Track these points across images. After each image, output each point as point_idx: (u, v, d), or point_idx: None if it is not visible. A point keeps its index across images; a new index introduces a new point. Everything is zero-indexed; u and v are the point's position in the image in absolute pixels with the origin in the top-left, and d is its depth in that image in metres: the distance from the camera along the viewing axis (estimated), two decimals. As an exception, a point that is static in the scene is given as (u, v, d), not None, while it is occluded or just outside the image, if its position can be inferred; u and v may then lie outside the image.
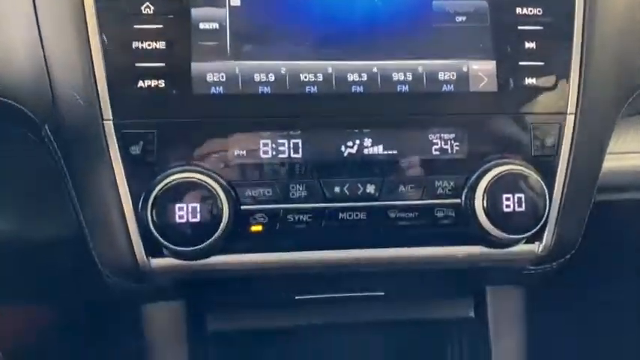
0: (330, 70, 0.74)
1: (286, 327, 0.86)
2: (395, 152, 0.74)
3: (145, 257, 0.73)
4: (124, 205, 0.71)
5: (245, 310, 0.85)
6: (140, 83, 0.71)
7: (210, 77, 0.72)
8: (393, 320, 0.87)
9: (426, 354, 0.98)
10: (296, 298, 0.86)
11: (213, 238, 0.69)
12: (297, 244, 0.74)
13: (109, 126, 0.71)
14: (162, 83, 0.71)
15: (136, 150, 0.71)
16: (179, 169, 0.70)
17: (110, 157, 0.71)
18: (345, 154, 0.74)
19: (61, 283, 1.06)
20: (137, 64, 0.71)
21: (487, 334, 0.89)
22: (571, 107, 0.77)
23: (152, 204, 0.68)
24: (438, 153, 0.75)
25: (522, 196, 0.73)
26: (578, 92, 0.77)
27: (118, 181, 0.71)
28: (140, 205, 0.70)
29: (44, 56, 0.71)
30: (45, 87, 0.71)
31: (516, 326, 0.90)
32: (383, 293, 0.88)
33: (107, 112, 0.71)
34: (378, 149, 0.74)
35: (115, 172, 0.71)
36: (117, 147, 0.71)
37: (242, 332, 0.85)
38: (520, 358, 0.88)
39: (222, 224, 0.69)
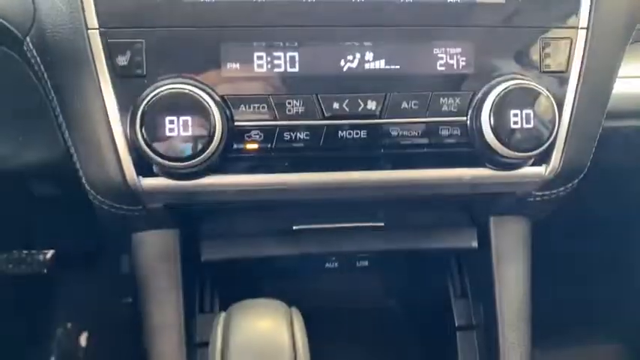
0: None
1: (283, 256, 0.83)
2: (398, 67, 0.70)
3: (135, 176, 0.69)
4: (111, 120, 0.67)
5: (240, 239, 0.82)
6: None
7: None
8: (393, 250, 0.84)
9: (426, 284, 0.96)
10: (294, 227, 0.83)
11: (206, 153, 0.65)
12: (294, 165, 0.71)
13: (94, 35, 0.66)
14: None
15: (123, 61, 0.67)
16: (169, 81, 0.66)
17: (96, 69, 0.67)
18: (345, 69, 0.70)
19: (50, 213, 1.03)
20: None
21: (490, 265, 0.86)
22: (583, 21, 0.73)
23: (141, 116, 0.65)
24: (443, 68, 0.71)
25: (531, 112, 0.70)
26: (591, 6, 0.73)
27: (104, 95, 0.67)
28: (129, 119, 0.67)
29: None
30: None
31: (520, 257, 0.87)
32: (383, 224, 0.85)
33: (92, 20, 0.66)
34: (380, 64, 0.70)
35: (102, 85, 0.67)
36: (103, 58, 0.66)
37: (237, 262, 0.82)
38: (523, 289, 0.86)
39: (215, 139, 0.65)
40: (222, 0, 0.68)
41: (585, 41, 0.74)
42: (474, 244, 0.86)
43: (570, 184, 0.80)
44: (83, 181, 0.72)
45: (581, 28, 0.74)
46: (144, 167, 0.69)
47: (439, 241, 0.86)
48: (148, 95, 0.65)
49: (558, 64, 0.73)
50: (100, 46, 0.66)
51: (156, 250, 0.81)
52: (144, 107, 0.64)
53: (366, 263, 0.94)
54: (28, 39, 0.69)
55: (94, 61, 0.66)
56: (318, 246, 0.84)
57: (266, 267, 0.95)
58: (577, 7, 0.73)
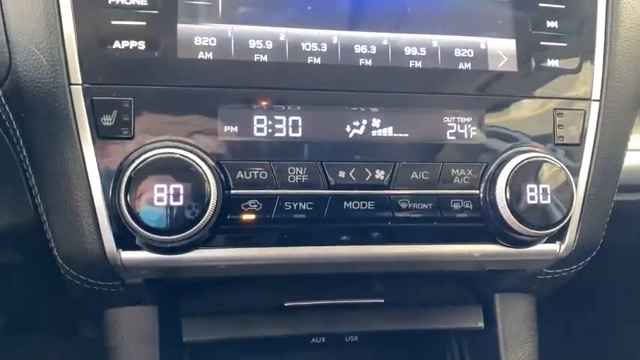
0: (335, 39, 0.65)
1: (273, 337, 0.75)
2: (406, 135, 0.66)
3: (114, 249, 0.61)
4: (92, 185, 0.60)
5: (226, 317, 0.74)
6: (116, 44, 0.60)
7: (198, 41, 0.62)
8: (393, 330, 0.77)
9: None
10: (285, 304, 0.75)
11: (197, 226, 0.58)
12: (294, 238, 0.64)
13: (77, 91, 0.60)
14: (142, 45, 0.61)
15: (108, 121, 0.60)
16: (159, 144, 0.60)
17: (77, 128, 0.60)
18: (351, 135, 0.65)
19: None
20: (114, 22, 0.61)
21: (497, 347, 0.80)
22: (595, 93, 0.71)
23: (127, 183, 0.57)
24: (453, 138, 0.67)
25: (547, 187, 0.65)
26: (603, 77, 0.71)
27: (86, 158, 0.60)
28: (112, 186, 0.59)
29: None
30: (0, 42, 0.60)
31: (527, 338, 0.81)
32: (382, 300, 0.78)
33: (75, 75, 0.60)
34: (388, 131, 0.66)
35: (83, 146, 0.60)
36: (86, 117, 0.60)
37: (222, 343, 0.74)
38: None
39: (208, 210, 0.58)
40: (221, 59, 0.63)
41: (598, 113, 0.71)
42: (480, 324, 0.79)
43: (584, 262, 0.75)
44: (54, 252, 0.64)
45: (594, 100, 0.71)
46: (125, 239, 0.61)
47: (443, 321, 0.80)
48: (135, 159, 0.58)
49: (572, 137, 0.70)
50: (83, 104, 0.60)
51: (132, 329, 0.72)
52: (130, 173, 0.57)
53: (355, 338, 0.86)
54: (0, 92, 0.62)
55: (75, 120, 0.60)
56: (312, 325, 0.77)
57: (247, 344, 0.86)
58: (590, 78, 0.71)
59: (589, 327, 1.29)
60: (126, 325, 0.72)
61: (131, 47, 0.61)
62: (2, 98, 0.62)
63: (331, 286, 0.77)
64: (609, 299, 1.22)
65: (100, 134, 0.60)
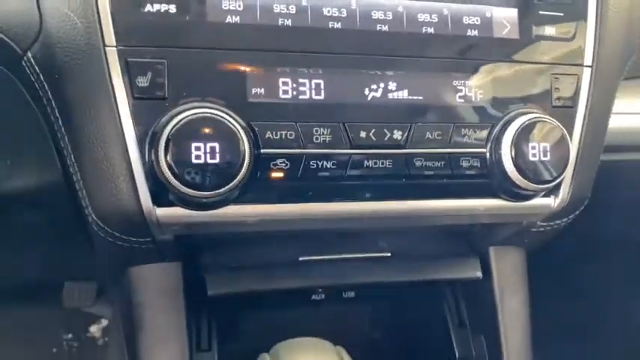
0: (354, 5, 0.69)
1: (289, 289, 0.80)
2: (421, 98, 0.70)
3: (151, 206, 0.64)
4: (128, 145, 0.62)
5: (246, 272, 0.78)
6: (148, 7, 0.62)
7: (226, 4, 0.65)
8: (399, 282, 0.83)
9: (421, 316, 0.95)
10: (300, 259, 0.80)
11: (233, 183, 0.62)
12: (318, 194, 0.68)
13: (112, 53, 0.61)
14: (173, 8, 0.63)
15: (143, 82, 0.62)
16: (192, 104, 0.62)
17: (114, 90, 0.61)
18: (369, 98, 0.69)
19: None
20: None
21: (492, 296, 0.87)
22: (587, 59, 0.77)
23: (166, 143, 0.60)
24: (462, 100, 0.72)
25: (547, 145, 0.72)
26: (594, 45, 0.77)
27: (122, 118, 0.62)
28: (148, 145, 0.62)
29: None
30: (30, 3, 0.61)
31: (520, 287, 0.89)
32: (390, 254, 0.84)
33: (109, 37, 0.61)
34: (403, 94, 0.70)
35: (119, 107, 0.62)
36: (121, 78, 0.61)
37: (243, 296, 0.78)
38: (525, 318, 0.87)
39: (243, 168, 0.62)
40: (247, 23, 0.65)
41: (590, 78, 0.77)
42: (479, 274, 0.86)
43: (572, 216, 0.82)
44: (88, 210, 0.66)
45: (586, 66, 0.77)
46: (160, 196, 0.64)
47: (445, 272, 0.86)
48: (172, 120, 0.61)
49: (567, 100, 0.76)
50: (119, 66, 0.61)
51: (158, 284, 0.75)
52: (169, 132, 0.60)
53: (352, 294, 0.92)
54: (29, 54, 0.63)
55: (111, 82, 0.61)
56: (324, 278, 0.82)
57: (249, 303, 0.90)
58: (583, 45, 0.77)
59: (577, 288, 1.40)
60: (152, 279, 0.75)
61: (162, 10, 0.63)
62: (32, 60, 0.63)
63: (341, 242, 0.82)
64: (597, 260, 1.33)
65: (136, 95, 0.62)
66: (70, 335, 1.68)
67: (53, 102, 0.64)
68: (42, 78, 0.63)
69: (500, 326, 0.86)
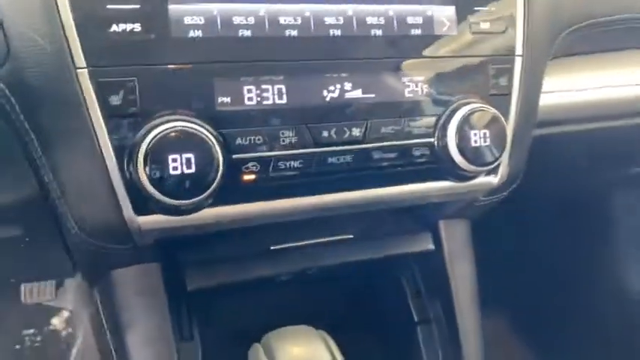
0: (307, 13, 0.73)
1: (263, 276, 0.86)
2: (373, 96, 0.77)
3: (132, 215, 0.68)
4: (107, 161, 0.66)
5: (223, 265, 0.84)
6: (114, 27, 0.65)
7: (188, 20, 0.68)
8: (363, 260, 0.91)
9: (382, 288, 1.04)
10: (271, 248, 0.86)
11: (210, 189, 0.67)
12: (288, 191, 0.74)
13: (84, 75, 0.64)
14: (137, 27, 0.66)
15: (116, 100, 0.65)
16: (165, 118, 0.66)
17: (88, 110, 0.64)
18: (328, 99, 0.75)
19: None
20: (109, 6, 0.65)
21: (444, 264, 0.97)
22: (518, 49, 0.85)
23: (144, 156, 0.64)
24: (411, 95, 0.79)
25: (487, 131, 0.80)
26: (523, 36, 0.85)
27: (98, 136, 0.65)
28: (127, 159, 0.66)
29: None
30: None
31: (467, 254, 0.99)
32: (352, 236, 0.91)
33: (79, 60, 0.64)
34: (358, 93, 0.76)
35: (95, 126, 0.65)
36: (95, 98, 0.64)
37: (219, 289, 0.84)
38: (473, 282, 0.98)
39: (218, 174, 0.67)
40: (209, 36, 0.69)
41: (521, 66, 0.86)
42: (431, 246, 0.95)
43: (510, 189, 0.92)
44: (71, 224, 0.69)
45: (518, 56, 0.86)
46: (140, 206, 0.68)
47: (402, 247, 0.94)
48: (148, 134, 0.65)
49: (503, 88, 0.84)
50: (91, 87, 0.64)
51: (139, 285, 0.80)
52: (147, 147, 0.64)
53: (319, 275, 1.00)
54: None
55: (85, 103, 0.64)
56: (295, 264, 0.88)
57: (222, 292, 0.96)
58: (514, 37, 0.85)
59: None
60: (134, 280, 0.79)
61: (128, 30, 0.65)
62: (2, 84, 0.64)
63: (308, 229, 0.89)
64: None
65: (110, 113, 0.65)
66: (31, 330, 1.68)
67: (27, 124, 0.66)
68: (13, 101, 0.65)
69: (453, 290, 0.96)
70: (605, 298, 1.87)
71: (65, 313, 1.70)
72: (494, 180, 0.87)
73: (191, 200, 0.66)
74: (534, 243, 1.83)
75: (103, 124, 0.65)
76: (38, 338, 1.70)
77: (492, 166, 0.82)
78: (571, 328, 1.97)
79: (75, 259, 0.80)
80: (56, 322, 1.71)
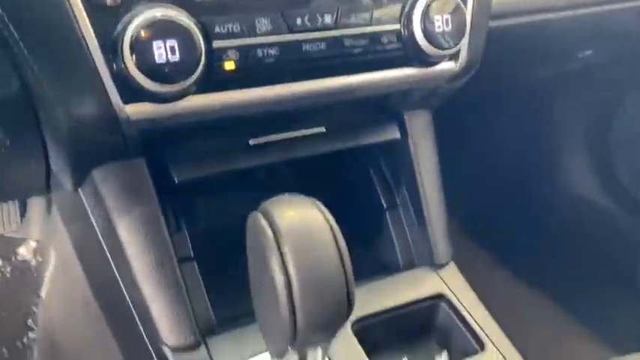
0: None
1: (245, 168, 0.91)
2: None
3: (121, 105, 0.70)
4: (92, 53, 0.67)
5: (205, 158, 0.87)
6: None
7: None
8: (336, 150, 0.97)
9: (352, 178, 1.11)
10: (250, 143, 0.90)
11: (195, 75, 0.70)
12: (267, 80, 0.78)
13: None
14: None
15: None
16: (145, 7, 0.68)
17: (70, 4, 0.65)
18: None
19: None
20: None
21: (409, 152, 1.04)
22: None
23: (131, 44, 0.66)
24: None
25: (449, 17, 0.85)
26: None
27: (82, 28, 0.66)
28: (112, 50, 0.67)
29: None
30: None
31: (430, 142, 1.06)
32: (324, 129, 0.96)
33: None
34: None
35: (78, 19, 0.66)
36: None
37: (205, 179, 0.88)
38: (437, 168, 1.06)
39: (201, 61, 0.70)
40: None
41: None
42: (398, 135, 1.02)
43: (469, 75, 0.99)
44: (60, 114, 0.71)
45: None
46: (127, 95, 0.71)
47: (371, 137, 1.00)
48: (131, 24, 0.66)
49: None
50: None
51: (127, 179, 0.83)
52: (132, 37, 0.66)
53: (283, 173, 1.05)
54: None
55: None
56: (273, 156, 0.93)
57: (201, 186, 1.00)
58: None
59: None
60: (120, 176, 0.82)
61: None
62: None
63: (283, 123, 0.93)
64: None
65: (92, 5, 0.66)
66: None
67: (11, 26, 0.66)
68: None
69: (418, 176, 1.04)
70: (550, 200, 2.03)
71: (32, 243, 1.70)
72: (455, 66, 0.93)
73: (177, 85, 0.69)
74: (479, 144, 1.95)
75: (86, 16, 0.66)
76: (8, 269, 1.71)
77: (454, 50, 0.88)
78: (520, 231, 2.14)
79: (54, 167, 0.82)
80: (24, 252, 1.72)
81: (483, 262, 1.90)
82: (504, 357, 0.86)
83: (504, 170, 2.01)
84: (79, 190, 0.87)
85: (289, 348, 0.62)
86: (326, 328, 0.60)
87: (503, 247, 1.98)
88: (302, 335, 0.58)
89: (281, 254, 0.57)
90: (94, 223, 0.88)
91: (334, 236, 0.59)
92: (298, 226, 0.59)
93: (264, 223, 0.59)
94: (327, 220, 0.60)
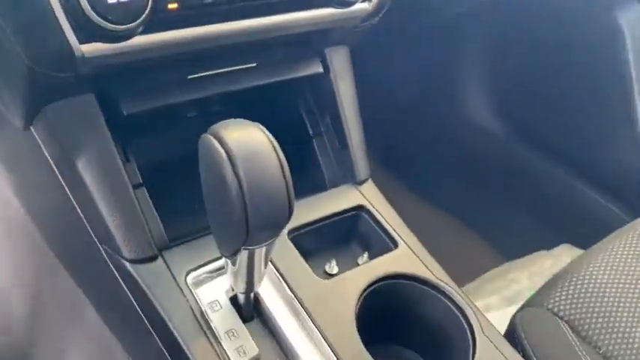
0: None
1: (186, 101, 1.00)
2: None
3: (77, 44, 0.78)
4: None
5: (151, 93, 0.96)
6: None
7: None
8: (267, 83, 1.08)
9: (281, 110, 1.22)
10: (189, 77, 1.00)
11: (144, 14, 0.78)
12: (204, 19, 0.88)
13: None
14: None
15: None
16: None
17: None
18: None
19: None
20: None
21: (331, 84, 1.17)
22: None
23: None
24: None
25: None
26: None
27: None
28: None
29: None
30: None
31: (349, 75, 1.20)
32: (255, 64, 1.07)
33: None
34: None
35: None
36: None
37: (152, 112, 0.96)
38: (355, 98, 1.20)
39: (149, 2, 0.78)
40: None
41: None
42: (321, 69, 1.15)
43: (380, 15, 1.12)
44: (16, 55, 0.77)
45: None
46: (82, 34, 0.78)
47: (297, 71, 1.12)
48: None
49: None
50: None
51: (79, 113, 0.90)
52: None
53: (219, 108, 1.16)
54: None
55: None
56: (211, 89, 1.03)
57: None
58: None
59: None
60: (72, 111, 0.90)
61: None
62: None
63: (218, 60, 1.03)
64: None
65: None
66: None
67: None
68: None
69: (339, 106, 1.18)
70: (451, 127, 2.26)
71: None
72: (368, 6, 1.06)
73: (127, 25, 0.78)
74: (389, 77, 2.13)
75: None
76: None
77: None
78: (425, 157, 2.36)
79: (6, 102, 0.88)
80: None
81: (392, 183, 2.11)
82: (413, 251, 1.05)
83: (409, 102, 2.21)
84: (31, 128, 0.94)
85: (241, 248, 0.75)
86: (272, 227, 0.73)
87: (410, 171, 2.21)
88: (253, 234, 0.70)
89: (233, 167, 0.67)
90: (49, 158, 0.95)
91: (275, 151, 0.70)
92: (245, 143, 0.69)
93: (215, 143, 0.68)
94: (268, 137, 0.71)
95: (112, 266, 0.97)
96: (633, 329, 1.09)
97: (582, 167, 1.89)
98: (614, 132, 1.78)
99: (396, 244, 1.07)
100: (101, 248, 0.97)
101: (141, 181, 0.99)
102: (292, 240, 1.03)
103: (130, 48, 0.82)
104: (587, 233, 1.33)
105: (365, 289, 0.97)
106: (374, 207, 1.13)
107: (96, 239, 0.97)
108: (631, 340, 1.08)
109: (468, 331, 0.94)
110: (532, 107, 1.99)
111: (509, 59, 2.00)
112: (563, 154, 1.94)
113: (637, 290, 1.15)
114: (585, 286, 1.12)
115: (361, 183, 1.18)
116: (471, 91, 2.14)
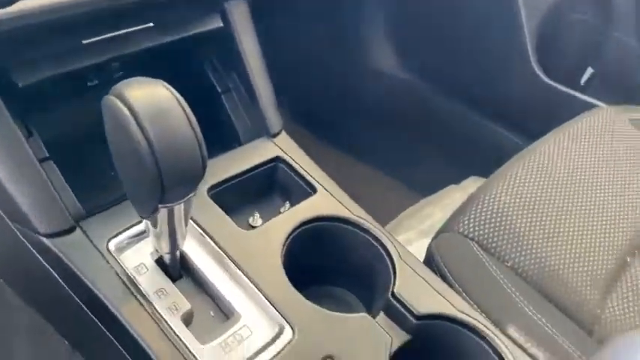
0: None
1: (85, 67, 0.97)
2: None
3: None
4: None
5: (43, 61, 0.92)
6: None
7: None
8: (170, 41, 1.06)
9: (191, 71, 1.21)
10: (83, 42, 0.96)
11: None
12: None
13: None
14: None
15: None
16: None
17: None
18: None
19: None
20: None
21: (234, 39, 1.17)
22: None
23: None
24: None
25: None
26: None
27: None
28: None
29: None
30: None
31: (250, 29, 1.19)
32: (152, 24, 1.05)
33: None
34: None
35: None
36: None
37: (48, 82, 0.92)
38: (259, 50, 1.20)
39: None
40: None
41: None
42: (221, 24, 1.14)
43: None
44: None
45: None
46: None
47: (196, 28, 1.11)
48: None
49: None
50: None
51: None
52: None
53: (121, 74, 1.13)
54: None
55: None
56: (108, 52, 1.00)
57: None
58: None
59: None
60: None
61: None
62: None
63: (112, 22, 1.00)
64: None
65: None
66: None
67: None
68: None
69: (245, 61, 1.18)
70: (360, 77, 2.31)
71: None
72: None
73: None
74: (292, 30, 2.13)
75: None
76: None
77: None
78: (335, 107, 2.41)
79: None
80: None
81: (306, 134, 2.15)
82: (332, 194, 1.09)
83: (315, 53, 2.23)
84: None
85: (159, 207, 0.75)
86: (187, 183, 0.73)
87: (322, 121, 2.25)
88: (168, 190, 0.70)
89: (139, 125, 0.66)
90: None
91: (180, 104, 0.69)
92: (150, 101, 0.68)
93: (118, 102, 0.67)
94: (172, 92, 0.70)
95: (28, 244, 0.94)
96: (535, 241, 1.20)
97: (486, 103, 2.01)
98: (512, 68, 1.90)
99: (314, 190, 1.10)
100: (13, 227, 0.94)
101: (47, 155, 0.96)
102: (213, 197, 1.04)
103: (10, 15, 0.78)
104: (493, 165, 1.43)
105: (289, 235, 1.01)
106: (290, 157, 1.15)
107: (6, 217, 0.94)
108: (534, 251, 1.19)
109: (388, 260, 1.00)
110: (436, 49, 2.07)
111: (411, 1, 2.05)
112: (468, 93, 2.04)
113: (535, 206, 1.26)
114: (490, 207, 1.21)
115: (275, 135, 1.20)
116: (377, 37, 2.19)
